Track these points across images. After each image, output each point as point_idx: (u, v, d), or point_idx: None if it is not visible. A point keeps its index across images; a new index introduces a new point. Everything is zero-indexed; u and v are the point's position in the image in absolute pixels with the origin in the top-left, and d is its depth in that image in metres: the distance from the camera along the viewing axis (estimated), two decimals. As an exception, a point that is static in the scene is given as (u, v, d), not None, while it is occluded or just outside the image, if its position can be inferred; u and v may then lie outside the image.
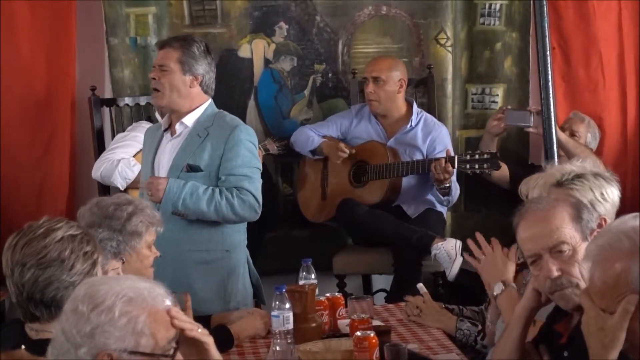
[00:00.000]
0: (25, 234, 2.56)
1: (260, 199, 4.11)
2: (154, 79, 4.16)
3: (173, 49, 4.15)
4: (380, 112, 5.28)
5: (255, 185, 4.12)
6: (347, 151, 5.19)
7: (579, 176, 3.03)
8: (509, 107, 5.44)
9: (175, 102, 4.15)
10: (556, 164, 4.15)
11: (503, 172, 5.29)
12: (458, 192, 5.18)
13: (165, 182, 4.02)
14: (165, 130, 4.24)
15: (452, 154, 4.94)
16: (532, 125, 5.24)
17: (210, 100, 4.22)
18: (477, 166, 4.84)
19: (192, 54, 4.14)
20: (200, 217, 4.06)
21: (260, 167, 4.21)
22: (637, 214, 2.15)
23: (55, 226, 2.56)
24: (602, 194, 2.99)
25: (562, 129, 5.25)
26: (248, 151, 4.12)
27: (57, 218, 2.62)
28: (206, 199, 4.01)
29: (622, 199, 3.10)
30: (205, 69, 4.17)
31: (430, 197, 5.20)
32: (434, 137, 5.22)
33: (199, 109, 4.18)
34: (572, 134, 5.34)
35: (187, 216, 4.05)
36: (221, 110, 4.25)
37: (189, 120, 4.16)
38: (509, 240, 2.90)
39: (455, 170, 4.91)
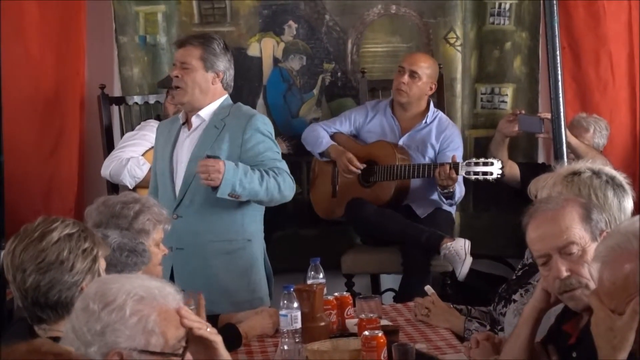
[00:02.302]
0: (22, 239, 2.55)
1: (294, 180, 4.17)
2: (177, 76, 4.17)
3: (194, 46, 4.17)
4: (404, 102, 5.28)
5: (286, 166, 4.17)
6: (359, 167, 5.20)
7: (573, 174, 3.00)
8: (523, 111, 5.42)
9: (197, 99, 4.18)
10: (565, 164, 4.13)
11: (513, 171, 5.29)
12: (462, 194, 5.18)
13: (223, 164, 3.98)
14: (182, 124, 4.26)
15: (458, 160, 4.93)
16: (542, 132, 5.23)
17: (227, 94, 4.25)
18: (480, 173, 4.84)
19: (213, 51, 4.16)
20: (252, 198, 4.06)
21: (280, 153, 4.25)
22: (646, 215, 2.15)
23: (50, 227, 2.55)
24: (589, 194, 2.93)
25: None
26: (268, 138, 4.16)
27: (52, 217, 2.60)
28: (257, 178, 4.02)
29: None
30: (225, 65, 4.20)
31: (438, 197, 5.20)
32: (446, 135, 5.24)
33: (215, 102, 4.21)
34: None
35: (241, 198, 4.03)
36: (237, 102, 4.28)
37: (205, 113, 4.18)
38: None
39: (460, 177, 4.92)
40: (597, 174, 2.97)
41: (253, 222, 4.23)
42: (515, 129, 5.34)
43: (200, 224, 4.12)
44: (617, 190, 2.94)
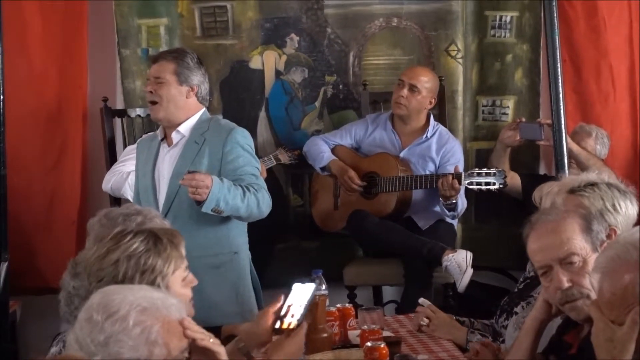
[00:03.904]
0: (96, 249, 2.56)
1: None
2: (151, 92, 4.19)
3: (167, 61, 4.19)
4: (403, 115, 5.30)
5: (264, 183, 4.17)
6: (360, 185, 5.21)
7: (592, 184, 3.03)
8: (523, 119, 5.44)
9: (173, 114, 4.18)
10: (566, 175, 4.15)
11: (514, 182, 5.29)
12: (465, 206, 5.18)
13: (211, 179, 3.94)
14: (162, 140, 4.27)
15: (460, 170, 4.94)
16: (543, 139, 5.24)
17: (204, 108, 4.26)
18: (483, 183, 4.85)
19: (187, 65, 4.18)
20: (233, 214, 4.04)
21: (260, 168, 4.26)
22: (646, 226, 2.16)
23: (118, 244, 2.54)
24: (613, 204, 2.98)
25: None
26: (247, 152, 4.16)
27: (127, 231, 2.60)
28: (240, 194, 4.01)
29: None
30: (200, 79, 4.21)
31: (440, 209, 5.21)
32: (447, 149, 5.23)
33: (193, 117, 4.21)
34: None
35: (223, 213, 4.02)
36: (215, 115, 4.29)
37: (185, 128, 4.19)
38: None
39: (462, 187, 4.93)
40: (613, 185, 3.03)
41: (239, 235, 4.23)
42: (517, 138, 5.35)
43: (186, 240, 4.10)
44: (632, 200, 3.01)
